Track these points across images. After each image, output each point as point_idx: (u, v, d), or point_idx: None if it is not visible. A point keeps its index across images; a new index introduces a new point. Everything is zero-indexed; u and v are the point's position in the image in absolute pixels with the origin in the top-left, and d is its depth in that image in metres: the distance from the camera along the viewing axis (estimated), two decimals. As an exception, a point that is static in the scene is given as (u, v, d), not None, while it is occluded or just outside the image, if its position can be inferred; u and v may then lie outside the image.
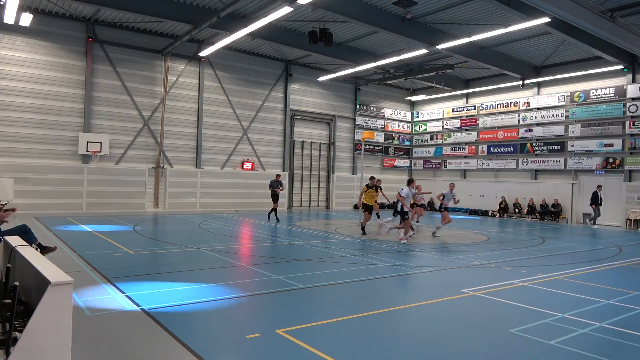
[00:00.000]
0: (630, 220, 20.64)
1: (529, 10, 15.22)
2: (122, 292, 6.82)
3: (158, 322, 5.55)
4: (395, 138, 30.97)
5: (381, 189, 15.97)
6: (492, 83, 26.00)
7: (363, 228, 14.96)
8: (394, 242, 13.49)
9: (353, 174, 28.40)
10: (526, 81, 24.03)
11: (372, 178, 15.33)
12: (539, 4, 13.78)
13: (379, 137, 29.88)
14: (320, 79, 25.82)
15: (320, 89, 27.00)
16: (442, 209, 15.49)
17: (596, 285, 8.52)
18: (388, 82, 27.70)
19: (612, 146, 21.94)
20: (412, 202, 15.14)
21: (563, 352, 5.02)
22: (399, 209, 13.60)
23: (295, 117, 26.28)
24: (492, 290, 7.80)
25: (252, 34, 18.60)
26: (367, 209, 15.07)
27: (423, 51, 19.68)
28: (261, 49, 23.79)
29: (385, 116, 30.32)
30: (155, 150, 21.66)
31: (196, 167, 22.76)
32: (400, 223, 13.65)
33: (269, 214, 19.08)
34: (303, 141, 26.77)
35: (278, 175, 19.80)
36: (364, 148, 26.04)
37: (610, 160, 22.00)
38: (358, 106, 28.73)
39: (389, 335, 5.49)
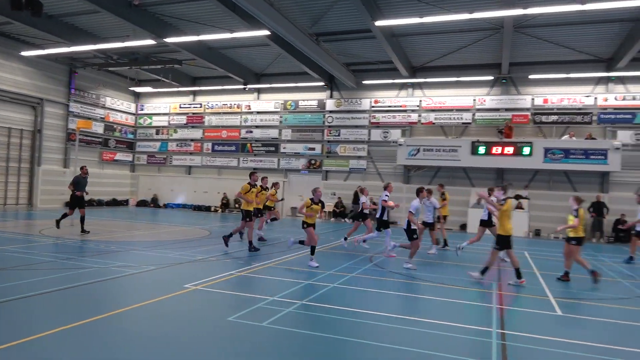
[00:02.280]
0: (326, 212, 24.75)
1: (252, 20, 16.50)
2: None
3: None
4: (117, 130, 28.85)
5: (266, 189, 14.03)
6: (218, 84, 27.05)
7: (250, 242, 12.15)
8: (112, 241, 12.59)
9: (65, 167, 25.05)
10: (248, 86, 25.95)
11: (253, 173, 12.85)
12: (261, 17, 15.13)
13: (98, 128, 27.29)
14: (25, 53, 21.82)
15: (23, 65, 22.78)
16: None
17: (300, 269, 9.92)
18: (110, 69, 25.55)
19: (315, 150, 25.87)
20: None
21: (273, 331, 5.68)
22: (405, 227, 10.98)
23: (-13, 95, 21.48)
24: (213, 282, 8.17)
25: None
26: (248, 215, 12.23)
27: (150, 42, 18.93)
28: None
29: (106, 105, 27.88)
30: None
31: None
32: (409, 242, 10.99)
33: (58, 221, 14.14)
34: (-2, 125, 22.12)
35: (85, 169, 14.67)
36: (80, 139, 23.44)
37: (313, 161, 25.91)
38: (74, 91, 25.53)
39: (107, 342, 5.13)
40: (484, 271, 9.33)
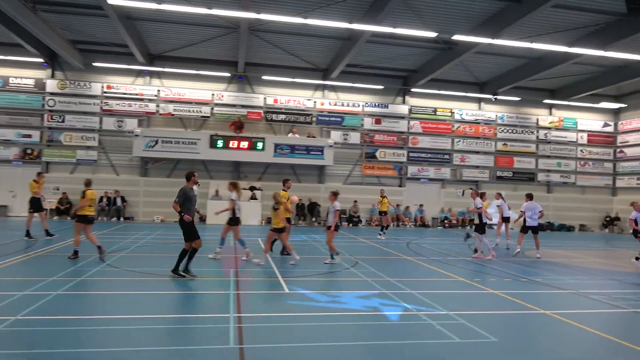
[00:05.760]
0: (47, 209, 21.44)
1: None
2: None
3: None
4: None
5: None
6: None
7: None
8: None
9: None
10: None
11: (287, 180, 12.39)
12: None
13: None
14: None
15: None
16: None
17: (10, 278, 8.35)
18: None
19: (31, 137, 22.08)
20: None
21: (-29, 358, 4.63)
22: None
23: None
24: None
25: None
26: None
27: None
28: None
29: None
30: None
31: None
32: None
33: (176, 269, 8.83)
34: None
35: (195, 176, 9.06)
36: None
37: (29, 151, 22.07)
38: None
39: None
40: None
